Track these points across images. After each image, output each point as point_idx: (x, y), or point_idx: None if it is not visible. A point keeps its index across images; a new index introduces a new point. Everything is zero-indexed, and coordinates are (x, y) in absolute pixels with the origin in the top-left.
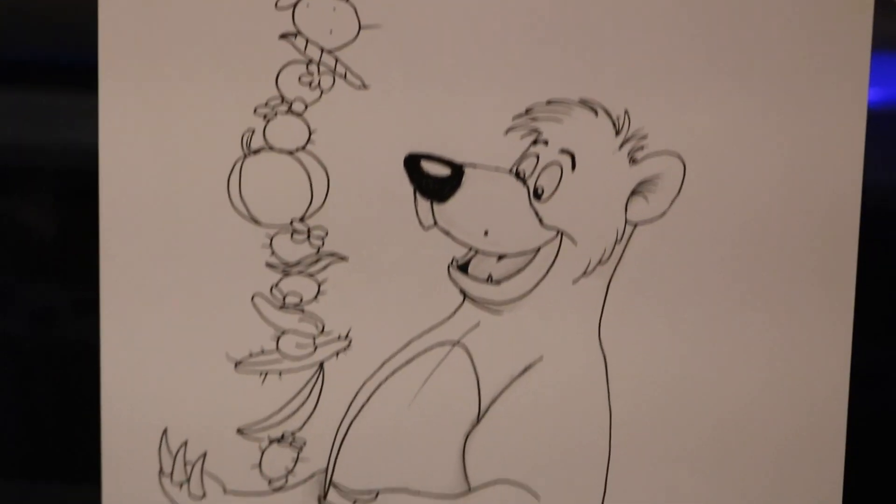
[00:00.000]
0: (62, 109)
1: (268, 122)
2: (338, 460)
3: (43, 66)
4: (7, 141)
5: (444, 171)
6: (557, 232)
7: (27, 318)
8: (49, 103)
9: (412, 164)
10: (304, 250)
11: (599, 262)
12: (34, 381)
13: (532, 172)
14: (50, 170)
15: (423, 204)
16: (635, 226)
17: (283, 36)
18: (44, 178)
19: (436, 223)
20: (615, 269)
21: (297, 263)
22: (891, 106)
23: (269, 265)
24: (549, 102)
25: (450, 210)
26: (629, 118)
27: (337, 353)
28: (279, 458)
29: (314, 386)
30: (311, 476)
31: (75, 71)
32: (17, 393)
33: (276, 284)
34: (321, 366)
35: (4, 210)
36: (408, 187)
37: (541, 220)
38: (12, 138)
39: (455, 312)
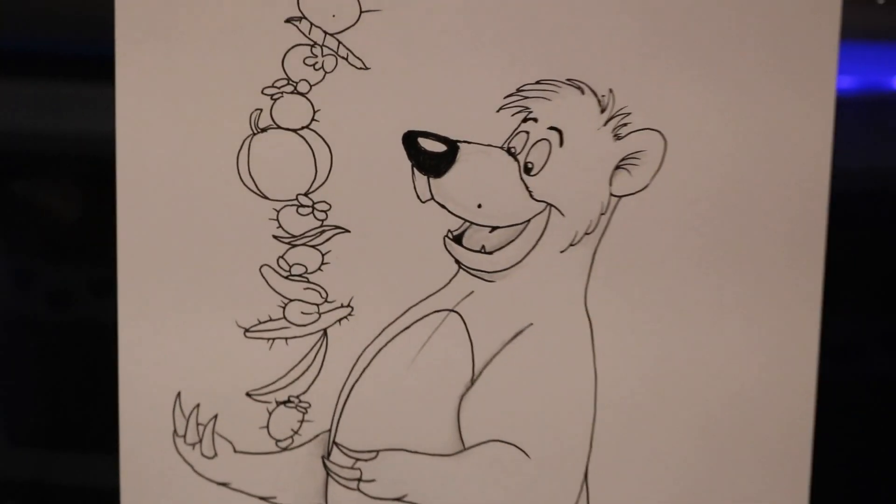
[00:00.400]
0: (81, 98)
1: (274, 101)
2: (340, 421)
3: (64, 59)
4: (29, 129)
5: (439, 147)
6: (546, 205)
7: (48, 297)
8: (69, 93)
9: (410, 141)
10: (309, 223)
11: (586, 233)
12: (56, 356)
13: (522, 148)
14: (70, 156)
15: (421, 179)
16: (619, 198)
17: (289, 20)
18: (64, 164)
19: (432, 197)
20: (600, 239)
21: (302, 235)
22: (857, 93)
23: (276, 237)
24: (538, 82)
25: (445, 184)
26: (613, 97)
27: (340, 321)
28: (285, 419)
29: (318, 351)
30: (316, 436)
31: (93, 62)
32: (41, 367)
33: (283, 255)
34: (325, 332)
35: (28, 195)
36: (406, 163)
37: (531, 194)
38: (34, 127)
39: (450, 281)
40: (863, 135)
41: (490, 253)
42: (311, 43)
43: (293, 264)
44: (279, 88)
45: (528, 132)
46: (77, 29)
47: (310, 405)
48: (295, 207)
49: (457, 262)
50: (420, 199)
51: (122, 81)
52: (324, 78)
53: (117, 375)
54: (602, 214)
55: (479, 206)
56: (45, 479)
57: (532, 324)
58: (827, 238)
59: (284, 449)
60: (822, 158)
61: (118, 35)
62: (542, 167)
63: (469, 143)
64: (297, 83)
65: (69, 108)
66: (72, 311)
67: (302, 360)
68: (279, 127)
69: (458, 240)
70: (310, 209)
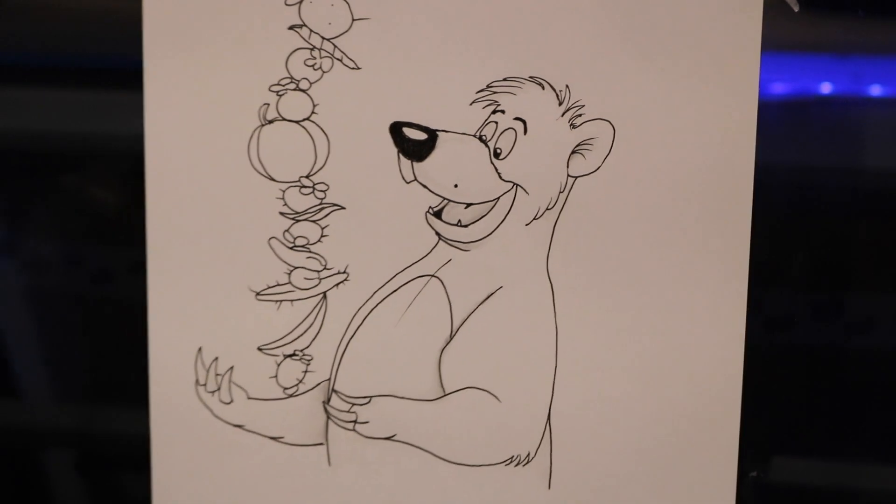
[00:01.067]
0: (115, 103)
1: (280, 97)
2: (338, 372)
3: (98, 72)
4: (73, 130)
5: (421, 135)
6: (513, 184)
7: (89, 274)
8: (105, 99)
9: (396, 130)
10: (310, 201)
11: (547, 209)
12: (96, 324)
13: (492, 136)
14: (107, 153)
15: (405, 163)
16: (575, 179)
17: (291, 27)
18: (102, 159)
19: (415, 178)
20: (559, 214)
21: (305, 212)
22: (775, 98)
23: (282, 214)
24: (505, 79)
25: (426, 167)
26: (570, 91)
27: (337, 285)
28: (291, 370)
29: (319, 311)
30: (318, 385)
31: (124, 73)
32: (83, 333)
33: (288, 229)
34: (325, 295)
35: (73, 188)
36: (392, 149)
37: (500, 175)
38: (77, 129)
39: (431, 251)
40: (784, 129)
41: (465, 226)
42: (311, 47)
43: (297, 237)
44: (284, 86)
45: (496, 122)
46: (111, 47)
47: (312, 358)
48: (298, 188)
49: (437, 234)
50: (405, 180)
51: (149, 88)
52: (322, 77)
53: (147, 334)
54: (561, 192)
55: (456, 185)
56: (88, 427)
57: (502, 287)
58: (752, 217)
59: (291, 395)
60: (747, 149)
61: (146, 50)
62: (509, 152)
63: (446, 131)
64: (298, 81)
65: (105, 112)
66: (110, 285)
67: (305, 319)
68: (284, 119)
69: (437, 215)
70: (311, 189)
